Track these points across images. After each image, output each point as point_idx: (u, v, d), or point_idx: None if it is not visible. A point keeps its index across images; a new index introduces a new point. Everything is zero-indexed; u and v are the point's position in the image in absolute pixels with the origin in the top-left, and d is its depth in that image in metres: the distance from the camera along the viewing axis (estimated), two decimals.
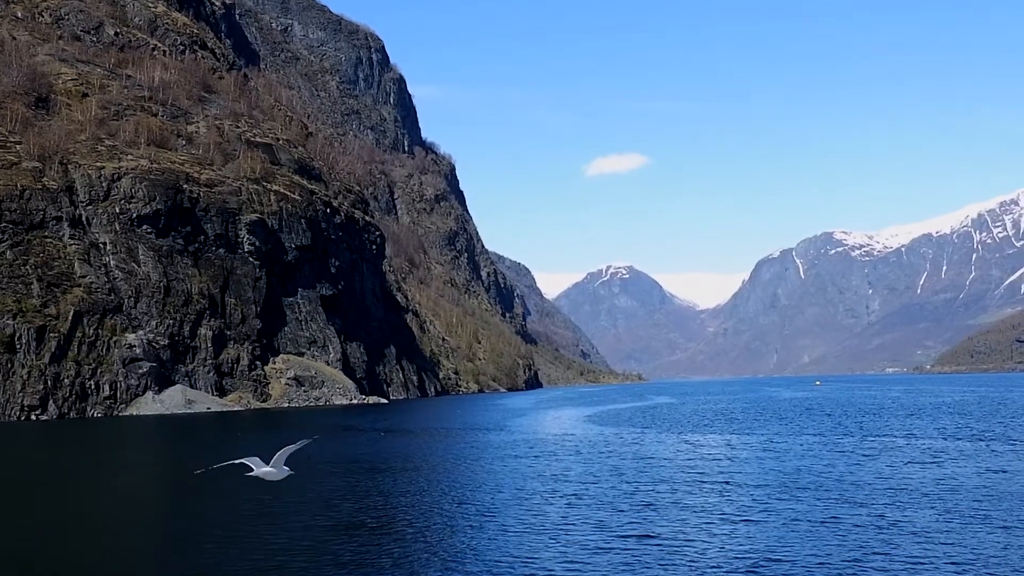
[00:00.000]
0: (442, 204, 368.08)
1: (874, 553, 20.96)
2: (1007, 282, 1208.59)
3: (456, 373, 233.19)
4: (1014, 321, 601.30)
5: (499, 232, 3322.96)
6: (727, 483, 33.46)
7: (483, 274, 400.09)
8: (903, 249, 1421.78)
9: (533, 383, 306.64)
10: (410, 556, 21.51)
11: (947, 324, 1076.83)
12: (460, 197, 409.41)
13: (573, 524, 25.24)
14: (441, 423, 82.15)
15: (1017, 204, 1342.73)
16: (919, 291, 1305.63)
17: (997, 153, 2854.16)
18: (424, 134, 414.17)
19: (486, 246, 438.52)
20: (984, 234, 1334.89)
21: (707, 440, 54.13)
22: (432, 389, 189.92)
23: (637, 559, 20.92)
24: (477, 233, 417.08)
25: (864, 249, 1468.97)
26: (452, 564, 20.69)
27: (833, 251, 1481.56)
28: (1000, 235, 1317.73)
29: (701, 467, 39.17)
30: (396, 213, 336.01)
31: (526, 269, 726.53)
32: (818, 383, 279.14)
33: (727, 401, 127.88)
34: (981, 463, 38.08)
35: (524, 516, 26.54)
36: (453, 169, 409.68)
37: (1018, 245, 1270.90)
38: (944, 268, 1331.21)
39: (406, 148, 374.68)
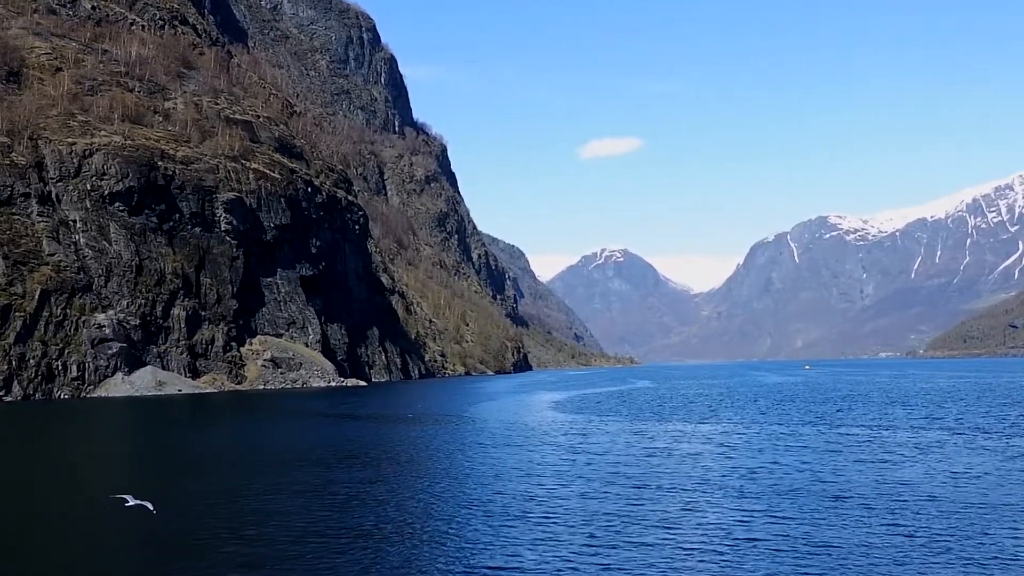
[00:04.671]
0: (432, 185, 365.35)
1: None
2: (1001, 267, 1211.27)
3: (442, 355, 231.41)
4: (1007, 306, 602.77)
5: (493, 214, 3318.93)
6: (647, 486, 29.52)
7: (474, 256, 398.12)
8: (897, 233, 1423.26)
9: (523, 366, 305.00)
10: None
11: (941, 309, 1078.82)
12: (451, 178, 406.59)
13: (441, 543, 21.51)
14: (399, 409, 79.13)
15: (1012, 189, 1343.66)
16: (913, 276, 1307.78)
17: (992, 138, 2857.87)
18: (415, 115, 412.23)
19: (479, 228, 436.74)
20: (979, 219, 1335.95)
21: (659, 430, 51.28)
22: (417, 371, 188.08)
23: None
24: (468, 215, 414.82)
25: (859, 233, 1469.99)
26: None
27: (828, 235, 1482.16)
28: (995, 220, 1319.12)
29: (632, 463, 35.85)
30: (386, 194, 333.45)
31: (520, 252, 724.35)
32: (807, 367, 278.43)
33: (707, 386, 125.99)
34: (948, 462, 35.13)
35: (392, 532, 22.84)
36: (444, 150, 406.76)
37: (1012, 230, 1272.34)
38: (938, 253, 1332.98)
39: (397, 128, 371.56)
